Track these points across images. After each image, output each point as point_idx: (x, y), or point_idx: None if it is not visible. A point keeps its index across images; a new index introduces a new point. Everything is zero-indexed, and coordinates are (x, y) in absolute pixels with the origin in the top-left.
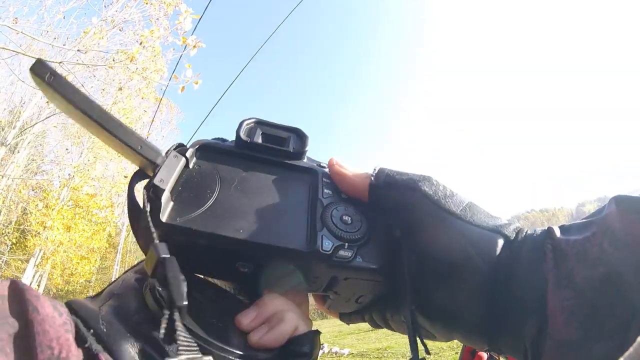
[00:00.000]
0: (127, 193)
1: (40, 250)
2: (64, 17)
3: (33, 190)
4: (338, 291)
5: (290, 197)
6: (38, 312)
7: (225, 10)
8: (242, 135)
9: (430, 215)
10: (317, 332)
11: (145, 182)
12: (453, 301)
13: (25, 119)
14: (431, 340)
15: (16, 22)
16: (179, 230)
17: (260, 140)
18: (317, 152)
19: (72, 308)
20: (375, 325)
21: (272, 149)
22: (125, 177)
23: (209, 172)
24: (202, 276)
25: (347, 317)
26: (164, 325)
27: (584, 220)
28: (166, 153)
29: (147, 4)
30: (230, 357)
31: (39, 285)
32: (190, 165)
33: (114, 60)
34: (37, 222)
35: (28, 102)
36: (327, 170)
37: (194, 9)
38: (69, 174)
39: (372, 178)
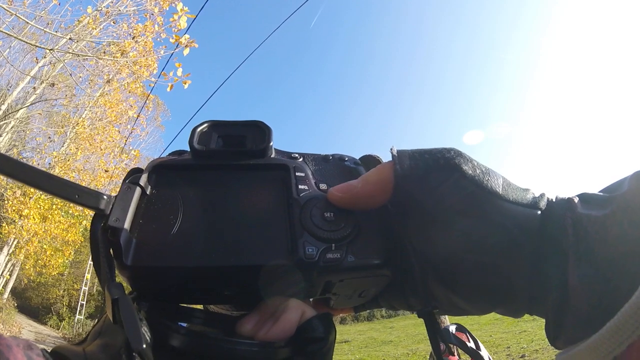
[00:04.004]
0: (90, 237)
1: (14, 239)
2: (59, 4)
3: None
4: (336, 292)
5: (262, 203)
6: None
7: (220, 12)
8: (196, 144)
9: (473, 199)
10: (329, 314)
11: None
12: (499, 281)
13: (10, 103)
14: (462, 315)
15: (11, 4)
16: (145, 271)
17: (216, 145)
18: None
19: (56, 354)
20: (395, 309)
21: (231, 153)
22: (106, 171)
23: (168, 195)
24: (191, 305)
25: (361, 307)
26: None
27: (603, 195)
28: (122, 182)
29: None
30: (247, 348)
31: (10, 275)
32: (148, 192)
33: (104, 53)
34: (13, 210)
35: (15, 86)
36: (300, 160)
37: (189, 8)
38: (49, 163)
39: (397, 166)
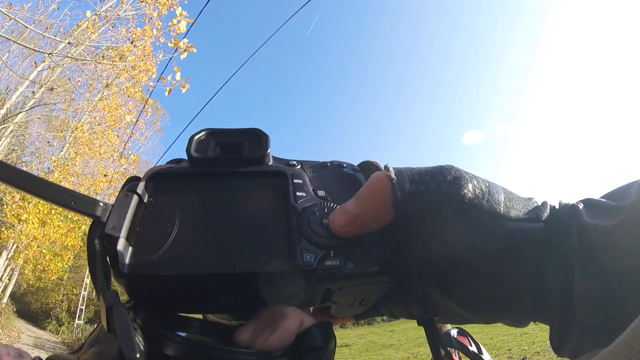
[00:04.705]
0: (86, 244)
1: (13, 244)
2: (58, 8)
3: None
4: (336, 300)
5: (259, 210)
6: None
7: (219, 16)
8: (193, 152)
9: (475, 222)
10: (328, 323)
11: None
12: (502, 294)
13: (9, 107)
14: (464, 323)
15: (10, 8)
16: (142, 279)
17: (214, 153)
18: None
19: None
20: (396, 317)
21: (229, 160)
22: (105, 175)
23: (166, 203)
24: (188, 314)
25: (362, 315)
26: None
27: (609, 203)
28: (121, 190)
29: (142, 2)
30: (244, 357)
31: (9, 279)
32: (145, 200)
33: (103, 57)
34: (13, 215)
35: (14, 90)
36: (297, 168)
37: (187, 12)
38: (48, 168)
39: (397, 192)
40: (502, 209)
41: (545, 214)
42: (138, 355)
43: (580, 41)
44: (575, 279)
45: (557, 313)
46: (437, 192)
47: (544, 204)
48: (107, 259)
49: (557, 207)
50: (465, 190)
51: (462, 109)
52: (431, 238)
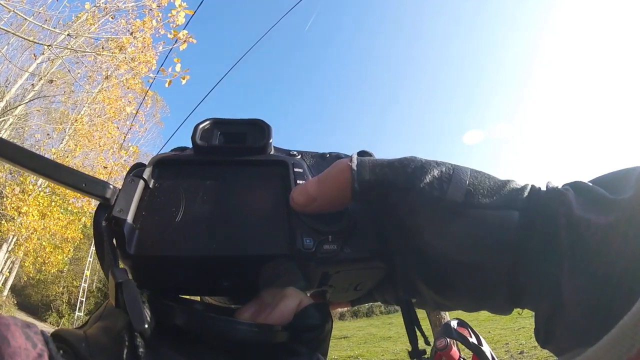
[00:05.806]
0: (93, 228)
1: (13, 236)
2: (57, 0)
3: (10, 174)
4: (333, 284)
5: (261, 197)
6: (8, 344)
7: (219, 8)
8: (198, 140)
9: (433, 214)
10: (325, 303)
11: None
12: (477, 289)
13: (8, 99)
14: (447, 310)
15: (9, 0)
16: (148, 260)
17: (218, 142)
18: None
19: (56, 336)
20: (388, 303)
21: (232, 149)
22: (105, 167)
23: (171, 188)
24: (190, 297)
25: (357, 301)
26: (125, 352)
27: (603, 193)
28: (127, 175)
29: None
30: (247, 328)
31: (10, 272)
32: (151, 185)
33: (102, 49)
34: (12, 207)
35: (13, 82)
36: (298, 157)
37: (187, 4)
38: None
39: (355, 184)
40: (463, 197)
41: (522, 199)
42: (146, 326)
43: (581, 40)
44: (565, 279)
45: (545, 310)
46: (394, 184)
47: (524, 187)
48: (114, 241)
49: (543, 189)
50: (422, 184)
51: (464, 107)
52: (394, 229)
